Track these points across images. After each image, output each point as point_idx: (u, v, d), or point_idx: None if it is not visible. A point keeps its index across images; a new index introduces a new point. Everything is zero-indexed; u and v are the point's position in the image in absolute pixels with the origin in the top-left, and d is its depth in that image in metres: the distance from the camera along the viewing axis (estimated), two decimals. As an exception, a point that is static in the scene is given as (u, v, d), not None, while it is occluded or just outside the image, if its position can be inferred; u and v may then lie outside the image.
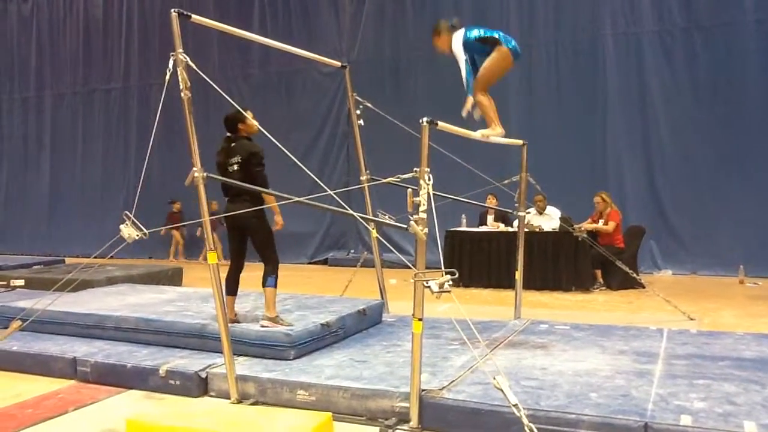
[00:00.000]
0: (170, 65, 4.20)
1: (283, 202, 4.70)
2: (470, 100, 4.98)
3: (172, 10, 4.29)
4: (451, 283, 3.39)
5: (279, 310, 5.57)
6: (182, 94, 4.23)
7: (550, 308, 7.71)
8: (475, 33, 4.97)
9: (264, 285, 4.99)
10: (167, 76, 4.20)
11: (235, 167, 4.95)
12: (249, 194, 4.89)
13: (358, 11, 12.84)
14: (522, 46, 12.14)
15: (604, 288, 8.98)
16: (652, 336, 5.46)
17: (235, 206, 4.86)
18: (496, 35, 4.93)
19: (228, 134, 5.08)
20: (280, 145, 4.35)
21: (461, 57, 4.94)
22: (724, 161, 10.30)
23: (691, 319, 6.68)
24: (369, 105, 6.44)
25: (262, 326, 4.93)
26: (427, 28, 12.12)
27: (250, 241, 5.12)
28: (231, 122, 5.05)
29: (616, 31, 10.98)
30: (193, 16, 4.45)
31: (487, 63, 4.92)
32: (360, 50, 12.71)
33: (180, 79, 4.20)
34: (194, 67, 4.24)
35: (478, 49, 4.97)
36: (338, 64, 6.63)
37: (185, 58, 4.22)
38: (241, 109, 4.81)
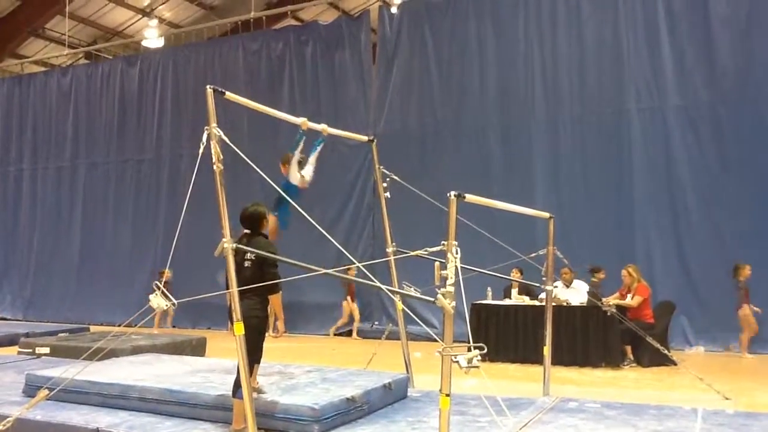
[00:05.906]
0: (204, 139, 4.31)
1: (310, 274, 4.68)
2: None
3: (208, 87, 4.44)
4: (479, 358, 3.33)
5: (304, 382, 5.50)
6: (214, 167, 4.33)
7: (579, 385, 7.52)
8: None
9: (234, 395, 4.64)
10: (201, 149, 4.31)
11: (248, 264, 4.72)
12: (256, 292, 4.64)
13: (385, 84, 13.14)
14: (547, 120, 12.22)
15: (634, 364, 8.75)
16: (687, 416, 5.28)
17: (241, 302, 4.49)
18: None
19: (246, 231, 4.87)
20: (307, 216, 4.39)
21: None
22: (755, 235, 10.12)
23: (727, 399, 6.45)
24: (396, 178, 6.51)
25: None
26: (453, 101, 12.45)
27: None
28: (252, 220, 4.88)
29: (640, 105, 11.06)
30: (227, 93, 4.58)
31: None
32: (386, 122, 12.93)
33: (213, 152, 4.30)
34: (228, 141, 4.35)
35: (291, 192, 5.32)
36: (365, 138, 6.76)
37: (219, 132, 4.34)
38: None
